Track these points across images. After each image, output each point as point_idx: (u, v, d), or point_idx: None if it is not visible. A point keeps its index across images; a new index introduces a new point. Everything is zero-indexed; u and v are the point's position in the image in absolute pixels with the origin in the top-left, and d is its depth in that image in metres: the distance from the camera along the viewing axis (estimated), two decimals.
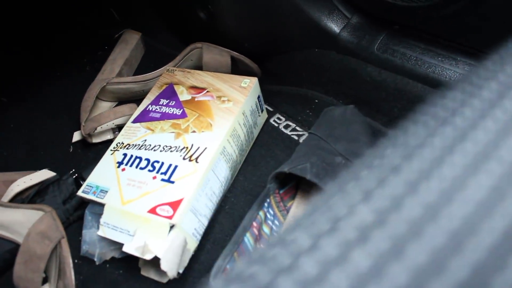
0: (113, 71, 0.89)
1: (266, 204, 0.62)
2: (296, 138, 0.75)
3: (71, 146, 0.85)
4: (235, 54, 0.82)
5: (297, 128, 0.77)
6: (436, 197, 0.15)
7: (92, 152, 0.83)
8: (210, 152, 0.64)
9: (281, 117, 0.79)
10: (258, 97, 0.74)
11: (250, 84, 0.72)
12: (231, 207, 0.68)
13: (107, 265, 0.66)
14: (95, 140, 0.83)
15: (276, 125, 0.78)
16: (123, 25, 1.02)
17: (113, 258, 0.66)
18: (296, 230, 0.16)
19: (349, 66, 0.73)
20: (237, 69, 0.84)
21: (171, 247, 0.56)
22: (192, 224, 0.60)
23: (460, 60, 0.62)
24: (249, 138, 0.74)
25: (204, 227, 0.64)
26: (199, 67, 0.86)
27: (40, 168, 0.79)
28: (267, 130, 0.78)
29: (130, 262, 0.64)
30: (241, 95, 0.70)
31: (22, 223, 0.69)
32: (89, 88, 0.85)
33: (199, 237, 0.62)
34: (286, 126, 0.78)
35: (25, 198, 0.74)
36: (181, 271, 0.58)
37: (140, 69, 0.96)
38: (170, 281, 0.61)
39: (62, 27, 1.09)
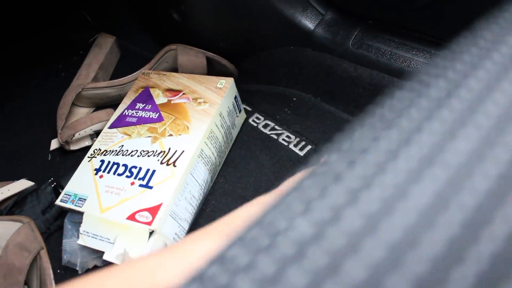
0: (89, 76, 0.88)
1: None
2: (275, 137, 0.75)
3: (49, 154, 0.84)
4: (211, 54, 0.81)
5: (276, 127, 0.76)
6: (376, 206, 0.15)
7: (71, 160, 0.82)
8: (187, 156, 0.63)
9: (260, 117, 0.79)
10: (235, 97, 0.73)
11: (226, 85, 0.71)
12: (212, 210, 0.67)
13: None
14: (73, 147, 0.82)
15: (255, 124, 0.78)
16: (97, 29, 1.00)
17: (95, 267, 0.65)
18: (236, 246, 0.15)
19: (325, 63, 0.73)
20: (214, 69, 0.84)
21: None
22: (172, 229, 0.60)
23: (434, 53, 0.62)
24: (228, 139, 0.73)
25: (185, 231, 0.63)
26: (175, 69, 0.86)
27: (18, 177, 0.78)
28: (246, 130, 0.77)
29: None
30: (217, 96, 0.70)
31: (0, 235, 0.68)
32: (64, 94, 0.84)
33: None
34: (265, 126, 0.77)
35: (3, 210, 0.73)
36: None
37: (116, 73, 0.95)
38: None
39: (35, 33, 1.08)
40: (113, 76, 0.94)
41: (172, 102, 0.72)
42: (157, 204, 0.59)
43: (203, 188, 0.67)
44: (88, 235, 0.60)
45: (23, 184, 0.77)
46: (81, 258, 0.64)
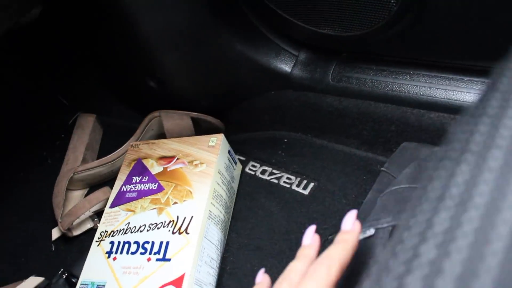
0: (77, 159, 0.87)
1: None
2: (276, 181, 0.75)
3: (52, 245, 0.83)
4: (195, 114, 0.82)
5: (274, 171, 0.77)
6: None
7: (76, 246, 0.81)
8: (197, 220, 0.63)
9: (256, 164, 0.79)
10: (229, 151, 0.74)
11: (218, 142, 0.71)
12: (232, 267, 0.67)
13: None
14: (76, 232, 0.80)
15: (252, 173, 0.78)
16: (74, 109, 1.00)
17: None
18: None
19: (309, 101, 0.74)
20: (200, 128, 0.84)
21: None
22: None
23: (413, 73, 0.64)
24: (231, 194, 0.73)
25: None
26: (162, 135, 0.86)
27: (25, 276, 0.76)
28: (245, 180, 0.78)
29: None
30: (212, 154, 0.70)
31: None
32: (57, 182, 0.83)
33: None
34: (263, 172, 0.78)
35: None
36: None
37: (103, 150, 0.94)
38: None
39: (13, 125, 1.07)
40: (100, 154, 0.94)
41: (168, 169, 0.72)
42: (179, 275, 0.58)
43: (219, 248, 0.66)
44: None
45: (33, 281, 0.75)
46: None
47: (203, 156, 0.71)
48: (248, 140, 0.84)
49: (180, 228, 0.63)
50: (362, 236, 0.49)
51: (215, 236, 0.65)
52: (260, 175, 0.77)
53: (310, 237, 0.49)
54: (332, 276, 0.40)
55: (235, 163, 0.76)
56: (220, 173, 0.69)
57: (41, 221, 0.87)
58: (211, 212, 0.65)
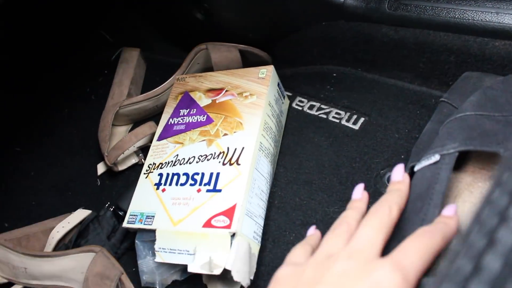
0: (122, 93, 0.86)
1: None
2: (324, 116, 0.73)
3: (98, 180, 0.83)
4: (243, 46, 0.79)
5: (322, 106, 0.74)
6: None
7: (121, 181, 0.81)
8: (249, 151, 0.62)
9: (303, 99, 0.77)
10: (278, 84, 0.72)
11: (268, 73, 0.69)
12: (281, 201, 0.66)
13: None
14: (121, 167, 0.81)
15: (299, 108, 0.76)
16: (117, 45, 0.99)
17: (175, 282, 0.64)
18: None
19: (362, 32, 0.71)
20: (248, 61, 0.82)
21: (238, 256, 0.54)
22: (251, 228, 0.58)
23: None
24: (279, 128, 0.72)
25: (262, 228, 0.62)
26: (207, 69, 0.84)
27: (73, 209, 0.78)
28: (292, 115, 0.76)
29: (194, 281, 0.62)
30: (262, 86, 0.68)
31: (74, 268, 0.67)
32: (102, 116, 0.83)
33: (259, 239, 0.61)
34: (311, 107, 0.75)
35: (68, 243, 0.73)
36: (252, 278, 0.56)
37: (146, 86, 0.93)
38: None
39: (56, 62, 1.07)
40: (144, 89, 0.93)
41: (217, 101, 0.70)
42: (231, 205, 0.58)
43: (268, 181, 0.65)
44: (165, 251, 0.59)
45: (81, 214, 0.76)
46: (159, 276, 0.63)
47: (253, 87, 0.69)
48: (295, 75, 0.82)
49: (231, 159, 0.62)
50: (427, 162, 0.47)
51: (265, 169, 0.64)
52: (308, 110, 0.75)
53: (360, 192, 0.48)
54: (393, 215, 0.40)
55: (284, 97, 0.74)
56: (270, 105, 0.68)
57: (87, 156, 0.87)
58: (261, 144, 0.64)
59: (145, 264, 0.64)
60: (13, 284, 0.72)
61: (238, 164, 0.61)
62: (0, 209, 0.87)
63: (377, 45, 0.70)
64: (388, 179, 0.62)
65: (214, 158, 0.64)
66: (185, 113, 0.72)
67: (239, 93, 0.69)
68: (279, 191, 0.67)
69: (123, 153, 0.77)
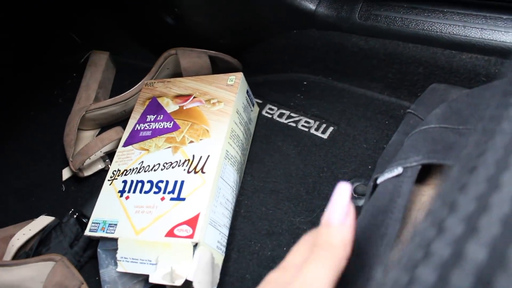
0: (89, 97, 0.85)
1: None
2: (293, 125, 0.72)
3: (63, 185, 0.81)
4: (213, 53, 0.79)
5: (292, 114, 0.74)
6: None
7: (86, 187, 0.79)
8: (214, 160, 0.61)
9: (273, 107, 0.76)
10: (247, 91, 0.71)
11: (236, 81, 0.68)
12: (247, 210, 0.65)
13: None
14: (87, 173, 0.79)
15: (269, 116, 0.75)
16: (86, 48, 0.97)
17: None
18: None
19: (332, 41, 0.71)
20: (218, 68, 0.81)
21: (200, 267, 0.53)
22: (214, 238, 0.57)
23: (447, 11, 0.60)
24: (247, 136, 0.71)
25: (226, 238, 0.61)
26: (177, 75, 0.83)
27: (36, 215, 0.75)
28: (262, 123, 0.75)
29: None
30: (230, 93, 0.67)
31: (34, 278, 0.65)
32: (68, 120, 0.81)
33: (223, 249, 0.60)
34: (280, 115, 0.75)
35: (29, 251, 0.70)
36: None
37: (115, 90, 0.92)
38: None
39: (24, 64, 1.04)
40: (113, 93, 0.91)
41: (184, 108, 0.69)
42: (194, 215, 0.56)
43: (234, 190, 0.65)
44: (126, 260, 0.58)
45: (44, 220, 0.74)
46: (122, 286, 0.62)
47: (221, 94, 0.68)
48: (266, 82, 0.81)
49: (196, 167, 0.61)
50: (389, 175, 0.47)
51: (231, 177, 0.63)
52: (278, 118, 0.74)
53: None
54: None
55: (253, 105, 0.73)
56: (238, 113, 0.67)
57: (52, 161, 0.85)
58: (228, 152, 0.63)
59: (107, 273, 0.62)
60: None
61: (203, 172, 0.60)
62: None
63: (347, 54, 0.70)
64: (355, 190, 0.62)
65: (179, 165, 0.62)
66: (152, 119, 0.71)
67: (207, 100, 0.68)
68: (246, 200, 0.66)
69: (88, 158, 0.75)
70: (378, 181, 0.48)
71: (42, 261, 0.65)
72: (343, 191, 0.34)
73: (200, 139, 0.64)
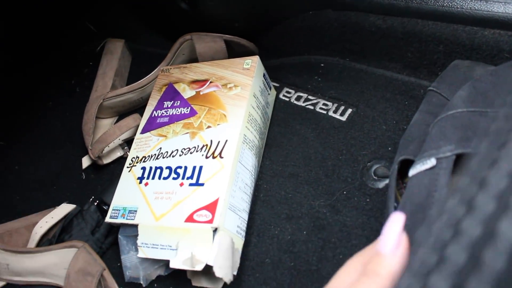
0: (106, 85, 0.85)
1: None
2: (311, 107, 0.71)
3: (83, 173, 0.82)
4: (228, 37, 0.78)
5: (310, 97, 0.73)
6: None
7: (106, 174, 0.80)
8: (232, 144, 0.60)
9: (290, 90, 0.76)
10: (264, 75, 0.70)
11: (253, 64, 0.68)
12: (266, 194, 0.65)
13: (155, 285, 0.63)
14: (106, 160, 0.79)
15: (286, 99, 0.75)
16: (102, 36, 0.97)
17: (159, 277, 0.63)
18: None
19: (349, 21, 0.69)
20: (233, 52, 0.80)
21: (220, 252, 0.53)
22: (234, 222, 0.57)
23: None
24: (265, 120, 0.70)
25: (246, 222, 0.61)
26: (193, 60, 0.82)
27: (58, 203, 0.76)
28: (279, 106, 0.74)
29: (178, 277, 0.61)
30: (247, 77, 0.67)
31: (57, 264, 0.66)
32: (86, 109, 0.81)
33: (243, 234, 0.59)
34: (298, 98, 0.74)
35: (52, 238, 0.71)
36: (235, 273, 0.55)
37: (132, 78, 0.92)
38: (225, 285, 0.58)
39: (40, 55, 1.05)
40: (129, 81, 0.91)
41: (201, 93, 0.69)
42: (213, 200, 0.56)
43: (253, 174, 0.64)
44: (147, 246, 0.58)
45: (65, 208, 0.75)
46: (143, 271, 0.62)
47: (238, 79, 0.67)
48: (282, 65, 0.80)
49: (214, 152, 0.61)
50: (422, 167, 0.45)
51: (250, 162, 0.63)
52: (295, 102, 0.74)
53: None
54: None
55: (270, 88, 0.73)
56: (255, 97, 0.66)
57: (71, 150, 0.86)
58: (245, 136, 0.62)
59: (128, 259, 0.63)
60: None
61: (221, 157, 0.60)
62: None
63: (364, 34, 0.69)
64: (375, 172, 0.61)
65: (197, 151, 0.62)
66: (169, 105, 0.70)
67: (223, 84, 0.68)
68: (265, 184, 0.66)
69: (107, 146, 0.76)
70: (410, 173, 0.47)
71: (65, 248, 0.66)
72: (396, 221, 0.34)
73: (218, 124, 0.64)
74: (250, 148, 0.63)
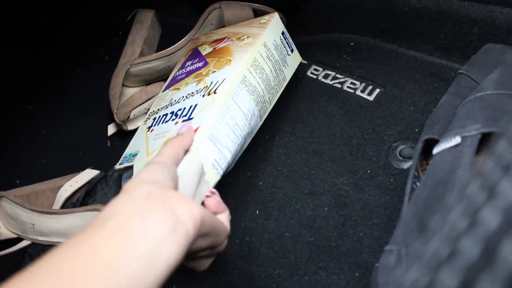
0: (135, 52, 0.85)
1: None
2: (339, 86, 0.71)
3: (108, 140, 0.83)
4: (256, 5, 0.78)
5: (338, 75, 0.72)
6: None
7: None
8: (228, 81, 0.59)
9: (318, 68, 0.75)
10: (283, 33, 0.68)
11: (269, 18, 0.67)
12: (289, 169, 0.65)
13: None
14: (130, 127, 0.80)
15: (314, 77, 0.74)
16: (133, 6, 0.97)
17: None
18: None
19: (382, 0, 0.68)
20: None
21: (186, 172, 0.50)
22: (211, 154, 0.55)
23: None
24: (279, 76, 0.68)
25: (227, 162, 0.58)
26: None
27: (82, 168, 0.78)
28: (306, 83, 0.74)
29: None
30: (260, 29, 0.66)
31: (80, 226, 0.67)
32: (114, 74, 0.82)
33: (221, 171, 0.57)
34: (326, 76, 0.73)
35: (76, 202, 0.73)
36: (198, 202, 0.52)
37: (160, 49, 0.92)
38: (244, 253, 0.58)
39: (71, 22, 1.06)
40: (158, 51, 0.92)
41: (217, 48, 0.69)
42: (195, 128, 0.55)
43: (248, 118, 0.62)
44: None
45: (89, 173, 0.76)
46: None
47: (252, 31, 0.67)
48: (312, 42, 0.80)
49: (210, 90, 0.60)
50: (447, 145, 0.45)
51: (246, 104, 0.61)
52: (323, 79, 0.73)
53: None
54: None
55: (291, 50, 0.70)
56: (265, 46, 0.65)
57: (98, 117, 0.87)
58: (245, 77, 0.61)
59: None
60: (21, 239, 0.73)
61: (215, 93, 0.59)
62: (12, 166, 0.87)
63: (397, 14, 0.68)
64: (400, 153, 0.60)
65: (198, 93, 0.62)
66: (189, 64, 0.71)
67: (237, 38, 0.67)
68: (288, 159, 0.66)
69: (132, 109, 0.77)
70: (434, 151, 0.47)
71: (88, 211, 0.67)
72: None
73: (222, 68, 0.63)
74: (249, 92, 0.62)
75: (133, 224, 0.34)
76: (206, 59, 0.68)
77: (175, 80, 0.71)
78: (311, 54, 0.77)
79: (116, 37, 0.98)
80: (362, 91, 0.69)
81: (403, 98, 0.65)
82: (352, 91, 0.70)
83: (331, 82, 0.72)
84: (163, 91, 0.71)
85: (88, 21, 1.06)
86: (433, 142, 0.49)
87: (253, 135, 0.65)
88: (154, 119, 0.66)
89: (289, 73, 0.71)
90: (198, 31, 0.82)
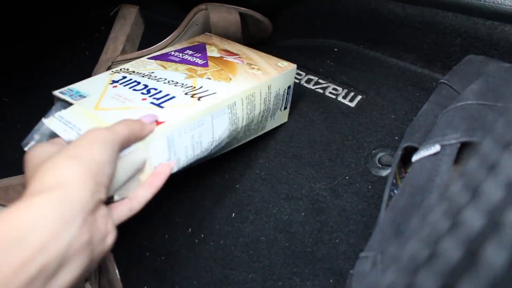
0: (117, 49, 0.84)
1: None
2: (321, 91, 0.71)
3: None
4: (243, 9, 0.77)
5: (320, 81, 0.72)
6: None
7: None
8: (217, 97, 0.56)
9: (301, 72, 0.75)
10: (289, 87, 0.67)
11: (287, 66, 0.64)
12: (267, 173, 0.64)
13: (147, 253, 0.62)
14: None
15: (296, 81, 0.74)
16: (116, 2, 0.96)
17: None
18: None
19: (367, 7, 0.68)
20: (247, 26, 0.79)
21: (124, 160, 0.46)
22: (160, 156, 0.51)
23: None
24: (261, 124, 0.66)
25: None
26: (206, 31, 0.81)
27: None
28: None
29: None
30: (274, 70, 0.63)
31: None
32: (94, 71, 0.81)
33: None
34: (308, 81, 0.73)
35: None
36: (116, 198, 0.46)
37: (143, 46, 0.91)
38: (218, 256, 0.57)
39: (53, 15, 1.04)
40: (140, 49, 0.90)
41: (224, 58, 0.67)
42: (160, 121, 0.50)
43: (213, 144, 0.59)
44: (61, 120, 0.51)
45: None
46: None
47: (265, 66, 0.64)
48: (295, 47, 0.80)
49: (195, 94, 0.56)
50: (426, 153, 0.45)
51: (220, 130, 0.58)
52: (305, 84, 0.73)
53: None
54: None
55: (285, 106, 0.68)
56: (269, 89, 0.62)
57: None
58: (235, 104, 0.58)
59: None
60: None
61: (198, 100, 0.55)
62: None
63: (382, 22, 0.68)
64: (380, 160, 0.60)
65: (182, 87, 0.58)
66: (189, 53, 0.68)
67: (248, 63, 0.65)
68: (267, 163, 0.65)
69: None
70: (413, 158, 0.47)
71: None
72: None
73: (218, 80, 0.60)
74: (230, 121, 0.59)
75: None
76: (208, 61, 0.66)
77: (166, 57, 0.67)
78: (294, 57, 0.76)
79: (98, 32, 0.97)
80: (344, 97, 0.69)
81: (384, 105, 0.65)
82: (334, 96, 0.69)
83: (313, 87, 0.72)
84: (148, 58, 0.67)
85: (71, 14, 1.04)
86: (413, 150, 0.49)
87: (202, 160, 0.61)
88: (124, 77, 0.61)
89: (270, 126, 0.68)
90: (183, 32, 0.81)
